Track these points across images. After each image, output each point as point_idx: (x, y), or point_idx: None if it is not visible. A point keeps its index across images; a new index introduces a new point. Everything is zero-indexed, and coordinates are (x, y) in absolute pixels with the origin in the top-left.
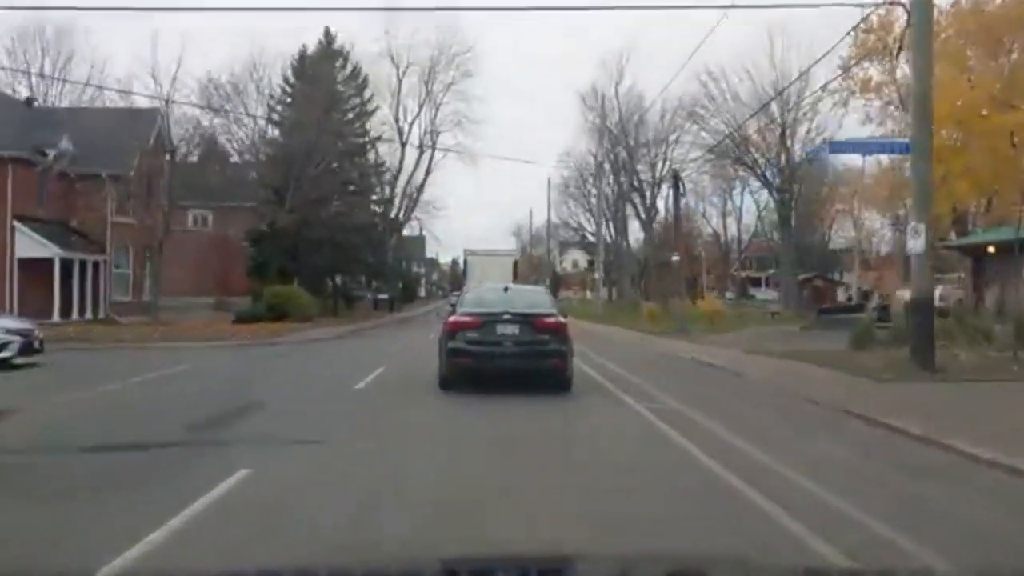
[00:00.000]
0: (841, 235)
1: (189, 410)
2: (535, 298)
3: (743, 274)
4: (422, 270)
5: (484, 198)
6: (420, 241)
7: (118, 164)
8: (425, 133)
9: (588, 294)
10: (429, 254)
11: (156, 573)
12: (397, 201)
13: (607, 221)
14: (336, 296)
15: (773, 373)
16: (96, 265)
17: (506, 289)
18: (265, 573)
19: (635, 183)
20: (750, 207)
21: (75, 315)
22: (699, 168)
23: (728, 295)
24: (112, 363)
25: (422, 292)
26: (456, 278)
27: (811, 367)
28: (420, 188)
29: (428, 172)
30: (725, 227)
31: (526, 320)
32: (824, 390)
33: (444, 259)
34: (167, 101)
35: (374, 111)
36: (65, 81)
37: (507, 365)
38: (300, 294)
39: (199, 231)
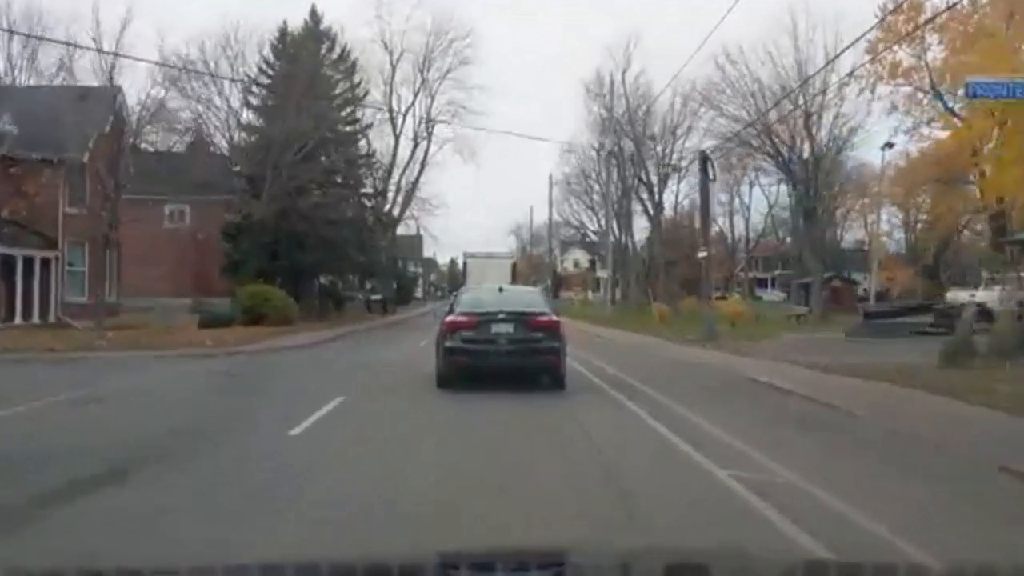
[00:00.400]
0: (849, 236)
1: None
2: (529, 298)
3: (749, 275)
4: (419, 270)
5: (483, 196)
6: (417, 240)
7: (71, 148)
8: (420, 124)
9: (590, 294)
10: (427, 254)
11: None
12: (391, 196)
13: (609, 219)
14: (322, 297)
15: (890, 409)
16: (46, 262)
17: (501, 290)
18: (268, 569)
19: (643, 176)
20: (757, 204)
21: (19, 318)
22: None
23: (734, 296)
24: (2, 382)
25: (419, 293)
26: (455, 279)
27: (928, 396)
28: (415, 182)
29: (423, 165)
30: (732, 224)
31: (520, 319)
32: (1004, 444)
33: (443, 259)
34: (112, 69)
35: (364, 96)
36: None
37: (503, 363)
38: (278, 295)
39: (176, 226)
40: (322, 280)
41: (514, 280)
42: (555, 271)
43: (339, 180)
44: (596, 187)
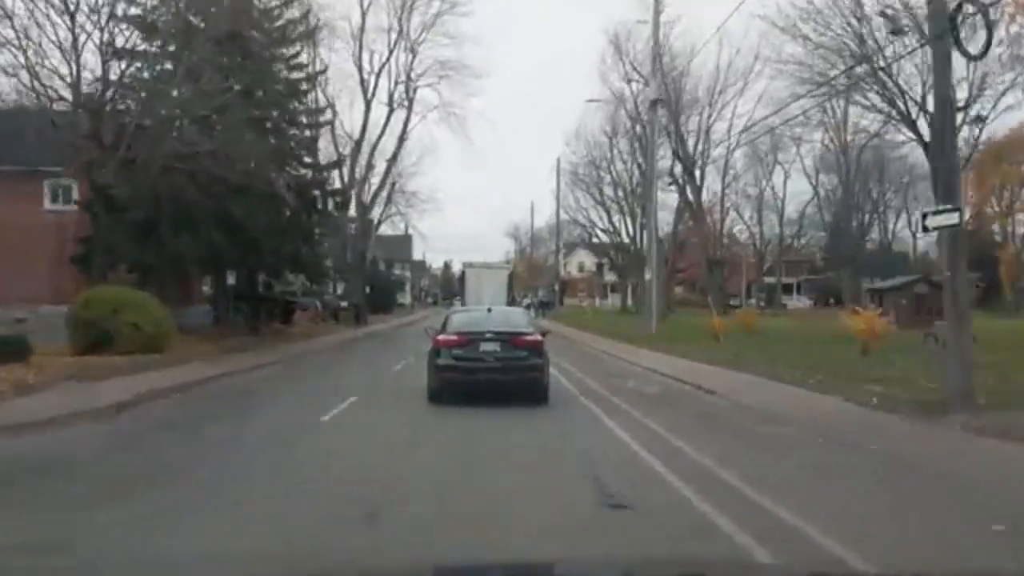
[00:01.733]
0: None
1: None
2: (514, 319)
3: (778, 279)
4: (406, 273)
5: (478, 190)
6: (405, 241)
7: None
8: (396, 84)
9: (596, 301)
10: (416, 255)
11: None
12: (360, 173)
13: (623, 215)
14: (228, 303)
15: None
16: None
17: (489, 310)
18: None
19: (678, 150)
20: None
21: None
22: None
23: (731, 303)
24: None
25: (405, 299)
26: (448, 284)
27: None
28: (392, 160)
29: (402, 140)
30: (761, 221)
31: (506, 338)
32: None
33: (436, 263)
34: None
35: (314, 31)
36: None
37: (489, 379)
38: (141, 303)
39: (60, 209)
40: (259, 278)
41: (510, 289)
42: (558, 275)
43: (274, 143)
44: (608, 178)
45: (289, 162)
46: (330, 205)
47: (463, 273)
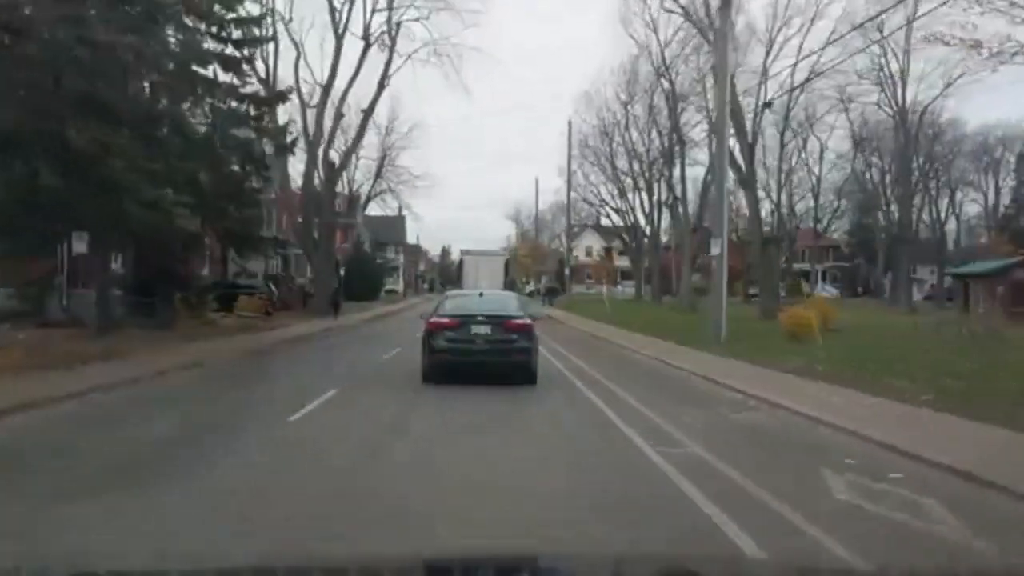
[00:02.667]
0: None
1: None
2: (506, 303)
3: (812, 267)
4: (399, 257)
5: (478, 168)
6: (397, 222)
7: None
8: (373, 13)
9: (605, 289)
10: (411, 239)
11: None
12: (329, 127)
13: (638, 191)
14: (109, 285)
15: None
16: None
17: (481, 295)
18: (258, 572)
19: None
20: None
21: None
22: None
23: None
24: None
25: (398, 285)
26: (447, 272)
27: None
28: (370, 110)
29: (382, 85)
30: (787, 198)
31: (497, 321)
32: None
33: (434, 250)
34: None
35: None
36: None
37: (480, 360)
38: None
39: None
40: (69, 248)
41: (507, 276)
42: (567, 258)
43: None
44: (621, 149)
45: (209, 88)
46: (269, 150)
47: (461, 260)
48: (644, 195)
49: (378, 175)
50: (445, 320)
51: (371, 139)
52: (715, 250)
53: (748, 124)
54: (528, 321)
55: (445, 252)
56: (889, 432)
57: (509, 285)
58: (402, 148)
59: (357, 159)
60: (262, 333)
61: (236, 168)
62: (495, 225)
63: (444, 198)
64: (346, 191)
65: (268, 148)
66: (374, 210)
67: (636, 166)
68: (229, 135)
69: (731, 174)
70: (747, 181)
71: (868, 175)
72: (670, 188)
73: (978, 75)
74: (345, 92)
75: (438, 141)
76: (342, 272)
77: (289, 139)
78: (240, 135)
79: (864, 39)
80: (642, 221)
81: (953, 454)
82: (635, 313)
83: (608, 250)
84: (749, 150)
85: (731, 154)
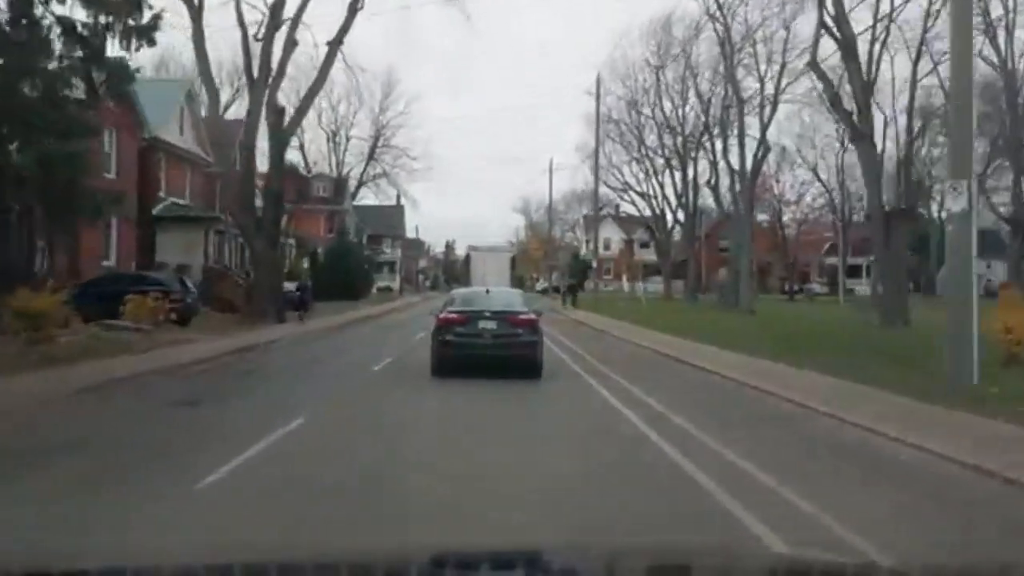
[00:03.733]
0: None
1: None
2: (511, 299)
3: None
4: (396, 251)
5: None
6: (395, 213)
7: None
8: None
9: (625, 285)
10: (410, 232)
11: None
12: (277, 59)
13: (671, 169)
14: None
15: None
16: None
17: (488, 291)
18: (250, 570)
19: (835, 14)
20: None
21: None
22: None
23: (810, 288)
24: None
25: (394, 282)
26: (451, 269)
27: None
28: (338, 41)
29: (354, 8)
30: (843, 177)
31: (503, 317)
32: None
33: (438, 246)
34: None
35: None
36: None
37: (487, 354)
38: None
39: None
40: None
41: (513, 270)
42: (577, 255)
43: None
44: (651, 125)
45: None
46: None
47: (468, 256)
48: (677, 175)
49: (371, 157)
50: (454, 316)
51: (363, 118)
52: (957, 207)
53: (863, 51)
54: (533, 316)
55: (449, 248)
56: None
57: (516, 283)
58: (398, 127)
59: (347, 140)
60: (137, 356)
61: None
62: (502, 219)
63: (448, 192)
64: (333, 173)
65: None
66: (369, 199)
67: (668, 141)
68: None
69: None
70: (861, 132)
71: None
72: (712, 164)
73: None
74: (300, 11)
75: (441, 135)
76: (308, 263)
77: (148, 16)
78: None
79: None
80: (672, 205)
81: None
82: (682, 316)
83: (628, 242)
84: (864, 89)
85: (835, 95)
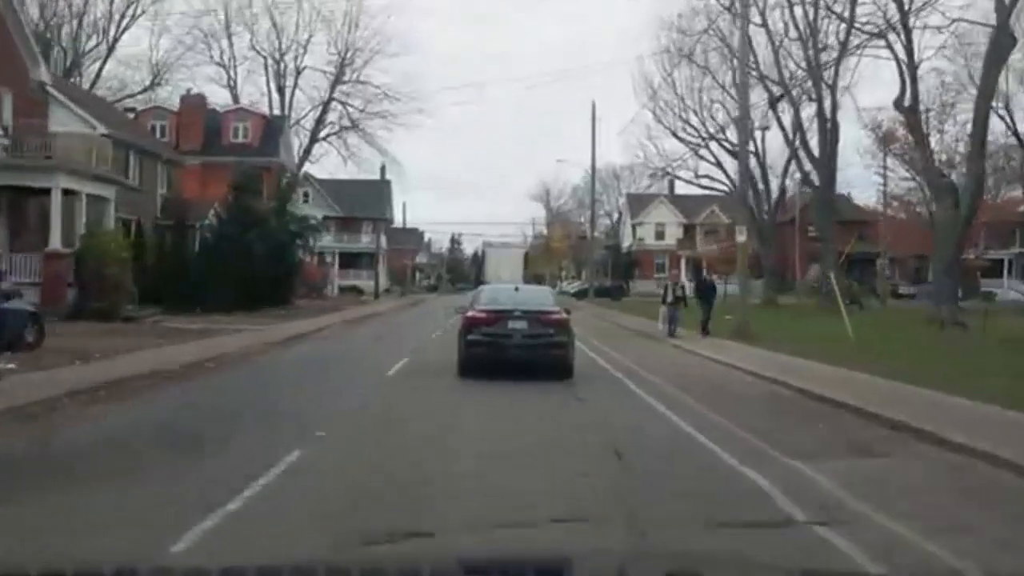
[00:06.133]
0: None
1: None
2: (541, 297)
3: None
4: (381, 238)
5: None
6: (378, 189)
7: None
8: None
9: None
10: (396, 216)
11: None
12: None
13: (754, 132)
14: None
15: None
16: None
17: (516, 289)
18: (264, 571)
19: None
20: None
21: None
22: None
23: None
24: None
25: (365, 281)
26: (457, 264)
27: None
28: None
29: None
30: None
31: (533, 316)
32: None
33: (442, 243)
34: None
35: None
36: None
37: (517, 355)
38: None
39: None
40: None
41: (526, 267)
42: (617, 247)
43: None
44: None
45: None
46: None
47: (483, 252)
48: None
49: (331, 97)
50: (481, 315)
51: (320, 40)
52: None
53: None
54: (564, 316)
55: (455, 243)
56: None
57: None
58: (375, 52)
59: (297, 72)
60: None
61: None
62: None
63: (451, 186)
64: (266, 107)
65: None
66: (342, 173)
67: (795, 59)
68: None
69: None
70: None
71: None
72: (820, 114)
73: None
74: None
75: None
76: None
77: None
78: None
79: None
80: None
81: None
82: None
83: (689, 228)
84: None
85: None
